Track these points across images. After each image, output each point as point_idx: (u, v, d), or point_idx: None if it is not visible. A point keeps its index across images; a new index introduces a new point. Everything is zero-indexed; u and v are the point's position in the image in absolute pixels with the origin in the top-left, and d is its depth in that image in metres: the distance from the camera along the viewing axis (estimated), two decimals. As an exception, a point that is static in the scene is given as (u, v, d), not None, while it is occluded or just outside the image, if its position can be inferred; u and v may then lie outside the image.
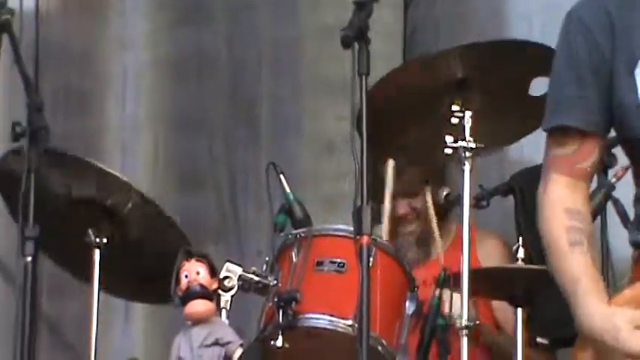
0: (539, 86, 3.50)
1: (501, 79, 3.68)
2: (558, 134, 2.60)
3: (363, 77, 3.18)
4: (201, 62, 5.59)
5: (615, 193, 3.73)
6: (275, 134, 5.49)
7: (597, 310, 2.39)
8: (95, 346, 4.13)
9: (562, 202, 2.56)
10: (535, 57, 3.55)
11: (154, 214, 3.94)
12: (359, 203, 3.15)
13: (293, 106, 5.57)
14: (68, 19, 5.17)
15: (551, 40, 2.88)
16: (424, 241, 4.23)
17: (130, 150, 5.44)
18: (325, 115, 5.38)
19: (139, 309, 4.95)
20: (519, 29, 5.08)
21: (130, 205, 3.83)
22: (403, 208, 4.21)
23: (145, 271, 4.04)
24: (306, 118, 5.63)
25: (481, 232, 3.88)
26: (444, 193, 3.98)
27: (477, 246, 3.80)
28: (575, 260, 2.49)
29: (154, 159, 5.47)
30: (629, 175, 3.04)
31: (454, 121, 3.49)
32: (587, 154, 2.59)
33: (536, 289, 3.66)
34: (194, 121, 5.56)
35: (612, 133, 3.80)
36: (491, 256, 4.08)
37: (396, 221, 4.20)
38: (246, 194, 5.39)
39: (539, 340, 3.87)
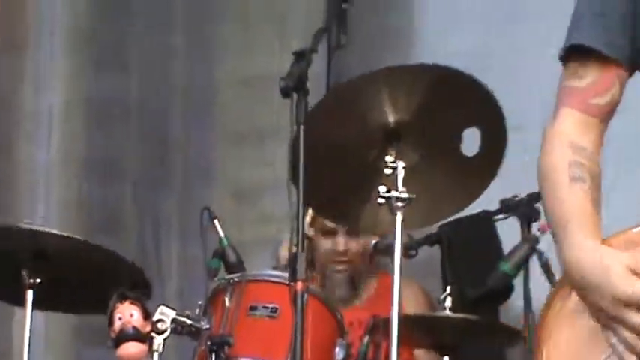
0: (471, 145, 3.45)
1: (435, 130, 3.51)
2: (575, 62, 2.26)
3: (301, 127, 2.96)
4: (117, 107, 5.31)
5: (539, 246, 3.54)
6: (189, 179, 5.25)
7: (589, 246, 2.08)
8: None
9: (568, 136, 2.23)
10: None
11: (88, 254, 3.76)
12: (294, 250, 2.94)
13: (208, 153, 5.34)
14: (-17, 60, 5.06)
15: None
16: (353, 282, 4.08)
17: (45, 193, 5.13)
18: (242, 161, 5.17)
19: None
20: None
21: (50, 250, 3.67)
22: (343, 245, 4.02)
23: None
24: (220, 164, 5.36)
25: (403, 280, 3.48)
26: (373, 242, 3.77)
27: (403, 295, 3.45)
28: (573, 195, 2.16)
29: (68, 203, 5.19)
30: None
31: (387, 172, 3.25)
32: (606, 87, 2.25)
33: (462, 337, 3.56)
34: (109, 164, 5.30)
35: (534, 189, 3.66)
36: (411, 303, 3.92)
37: (329, 257, 4.05)
38: (168, 237, 5.15)
39: None
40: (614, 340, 1.93)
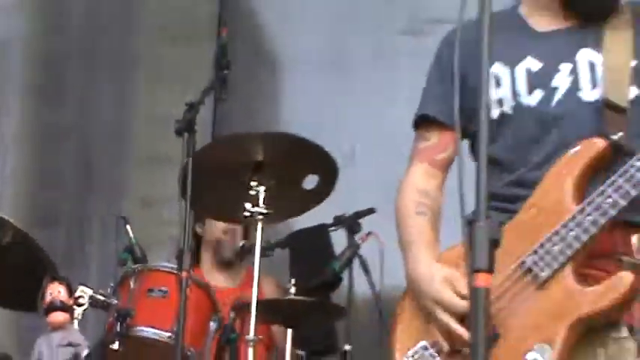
0: (310, 182, 3.78)
1: (288, 168, 3.75)
2: (423, 129, 2.57)
3: (190, 158, 3.37)
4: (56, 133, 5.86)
5: (360, 251, 4.09)
6: (111, 193, 5.76)
7: (424, 260, 2.40)
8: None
9: (416, 185, 2.54)
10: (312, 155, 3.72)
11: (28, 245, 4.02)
12: (181, 246, 3.36)
13: (124, 172, 5.91)
14: None
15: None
16: (231, 261, 4.55)
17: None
18: (149, 180, 5.69)
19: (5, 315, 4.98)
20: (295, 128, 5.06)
21: (7, 239, 3.88)
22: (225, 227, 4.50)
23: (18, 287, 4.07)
24: (133, 181, 5.92)
25: (263, 274, 3.93)
26: (241, 244, 4.26)
27: (261, 284, 3.86)
28: (417, 222, 2.48)
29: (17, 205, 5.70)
30: (371, 238, 3.52)
31: (252, 192, 3.60)
32: (445, 146, 2.55)
33: (303, 314, 3.87)
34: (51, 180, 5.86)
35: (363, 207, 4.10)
36: (268, 290, 4.32)
37: (219, 234, 4.54)
38: (91, 235, 5.60)
39: (298, 352, 4.07)
40: (433, 328, 2.31)
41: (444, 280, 2.29)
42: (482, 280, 1.69)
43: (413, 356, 2.37)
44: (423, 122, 2.51)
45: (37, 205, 5.71)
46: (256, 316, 3.57)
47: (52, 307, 3.78)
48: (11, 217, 4.18)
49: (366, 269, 4.12)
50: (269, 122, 5.51)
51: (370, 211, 3.89)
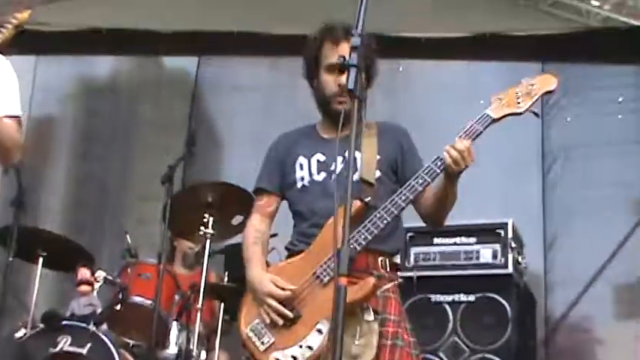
0: (237, 219, 4.07)
1: (225, 207, 4.08)
2: (258, 194, 2.75)
3: (169, 200, 3.86)
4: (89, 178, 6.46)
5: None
6: (119, 215, 6.23)
7: (256, 269, 2.58)
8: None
9: (255, 226, 2.69)
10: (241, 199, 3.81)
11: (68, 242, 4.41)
12: (160, 250, 3.94)
13: (129, 204, 6.48)
14: None
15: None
16: (192, 262, 4.81)
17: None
18: (145, 209, 6.02)
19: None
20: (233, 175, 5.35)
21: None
22: (188, 245, 4.68)
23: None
24: (136, 209, 6.39)
25: (209, 269, 4.12)
26: (196, 250, 4.69)
27: (208, 274, 4.12)
28: (253, 248, 2.64)
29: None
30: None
31: (204, 221, 3.99)
32: (271, 204, 2.73)
33: (229, 294, 4.16)
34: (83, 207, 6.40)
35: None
36: (212, 279, 4.42)
37: (186, 245, 4.73)
38: (110, 238, 6.07)
39: (225, 317, 4.14)
40: (263, 312, 2.47)
41: (270, 279, 2.49)
42: (343, 280, 1.85)
43: (251, 327, 2.52)
44: (258, 190, 2.74)
45: (73, 222, 6.11)
46: (203, 293, 3.98)
47: (81, 282, 4.27)
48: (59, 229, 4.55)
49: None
50: (216, 176, 5.84)
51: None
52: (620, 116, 5.90)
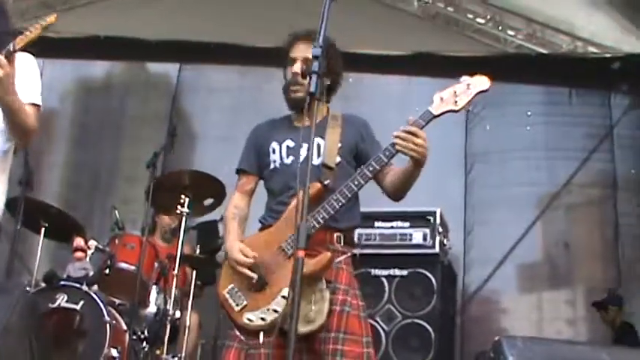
0: (208, 201, 3.99)
1: (199, 189, 3.96)
2: (240, 174, 2.66)
3: (153, 182, 3.85)
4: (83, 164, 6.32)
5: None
6: (108, 194, 6.07)
7: (232, 240, 2.51)
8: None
9: (235, 202, 2.63)
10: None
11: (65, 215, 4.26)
12: (143, 225, 3.94)
13: (118, 185, 6.32)
14: None
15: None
16: (170, 236, 4.78)
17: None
18: (131, 189, 5.89)
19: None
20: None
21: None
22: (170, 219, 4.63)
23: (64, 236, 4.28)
24: (122, 190, 6.23)
25: (185, 242, 4.03)
26: (173, 226, 4.67)
27: (184, 247, 4.04)
28: (232, 222, 2.57)
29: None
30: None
31: (181, 201, 3.90)
32: (250, 183, 2.65)
33: (200, 263, 4.21)
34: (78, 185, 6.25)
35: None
36: (186, 250, 4.31)
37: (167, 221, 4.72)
38: (97, 214, 6.07)
39: (198, 282, 4.15)
40: (235, 276, 2.42)
41: (239, 249, 2.46)
42: (301, 253, 1.84)
43: (227, 290, 2.47)
44: (239, 171, 2.68)
45: (70, 199, 6.04)
46: (179, 262, 3.99)
47: (76, 249, 4.19)
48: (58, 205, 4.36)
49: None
50: (192, 165, 5.68)
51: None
52: (528, 127, 6.03)
